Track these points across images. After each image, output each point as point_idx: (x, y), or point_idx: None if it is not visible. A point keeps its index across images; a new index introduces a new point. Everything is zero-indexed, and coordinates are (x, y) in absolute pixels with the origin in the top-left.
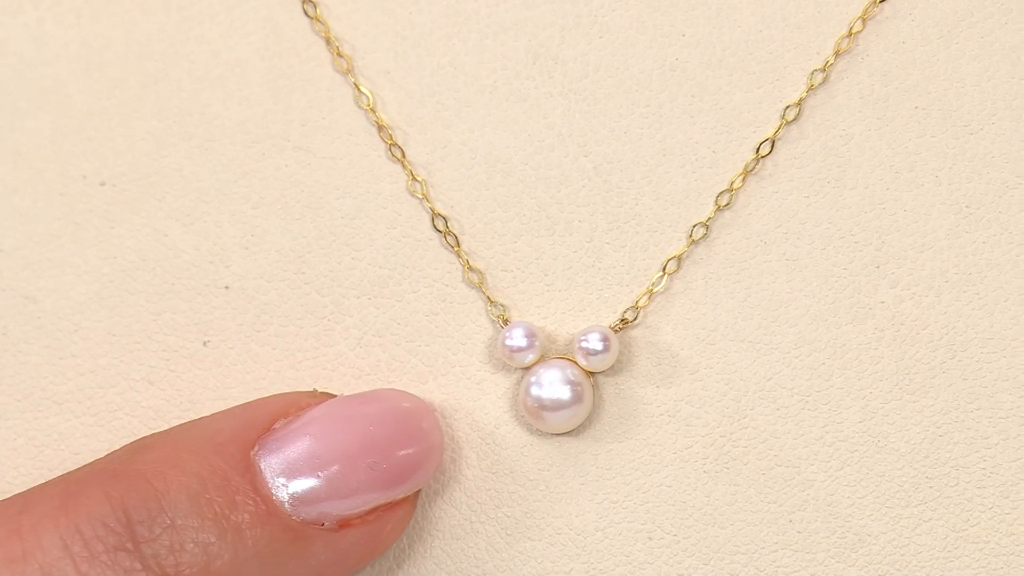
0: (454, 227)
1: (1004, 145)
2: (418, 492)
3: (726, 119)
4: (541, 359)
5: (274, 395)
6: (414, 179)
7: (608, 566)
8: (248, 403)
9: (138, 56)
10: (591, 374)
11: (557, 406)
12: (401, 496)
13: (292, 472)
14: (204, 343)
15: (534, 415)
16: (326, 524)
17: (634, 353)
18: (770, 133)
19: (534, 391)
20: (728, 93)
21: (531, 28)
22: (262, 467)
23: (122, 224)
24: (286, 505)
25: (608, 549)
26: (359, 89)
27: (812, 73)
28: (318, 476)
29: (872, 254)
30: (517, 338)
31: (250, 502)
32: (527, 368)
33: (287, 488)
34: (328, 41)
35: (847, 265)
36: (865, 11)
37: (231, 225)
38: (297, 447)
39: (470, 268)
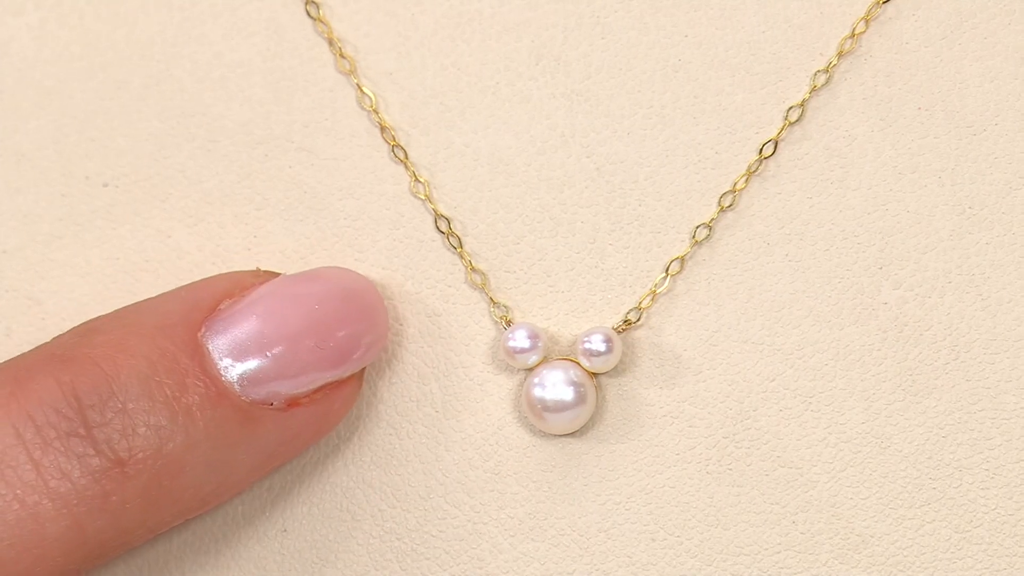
0: (457, 228)
1: (1007, 146)
2: (364, 370)
3: (729, 120)
4: (544, 360)
5: (218, 275)
6: (417, 180)
7: (611, 567)
8: (192, 284)
9: (141, 57)
10: (594, 375)
11: (560, 407)
12: (348, 374)
13: (240, 353)
14: None
15: (537, 416)
16: (275, 404)
17: (637, 354)
18: (773, 134)
19: (537, 392)
20: (731, 94)
21: (534, 29)
22: (210, 348)
23: (125, 225)
24: (235, 386)
25: (611, 550)
26: (362, 90)
27: (815, 74)
28: (265, 356)
29: (875, 255)
30: (520, 339)
31: (200, 384)
32: (530, 369)
33: (235, 368)
34: (331, 42)
35: (850, 266)
36: (868, 12)
37: (234, 226)
38: (244, 327)
39: (473, 269)
